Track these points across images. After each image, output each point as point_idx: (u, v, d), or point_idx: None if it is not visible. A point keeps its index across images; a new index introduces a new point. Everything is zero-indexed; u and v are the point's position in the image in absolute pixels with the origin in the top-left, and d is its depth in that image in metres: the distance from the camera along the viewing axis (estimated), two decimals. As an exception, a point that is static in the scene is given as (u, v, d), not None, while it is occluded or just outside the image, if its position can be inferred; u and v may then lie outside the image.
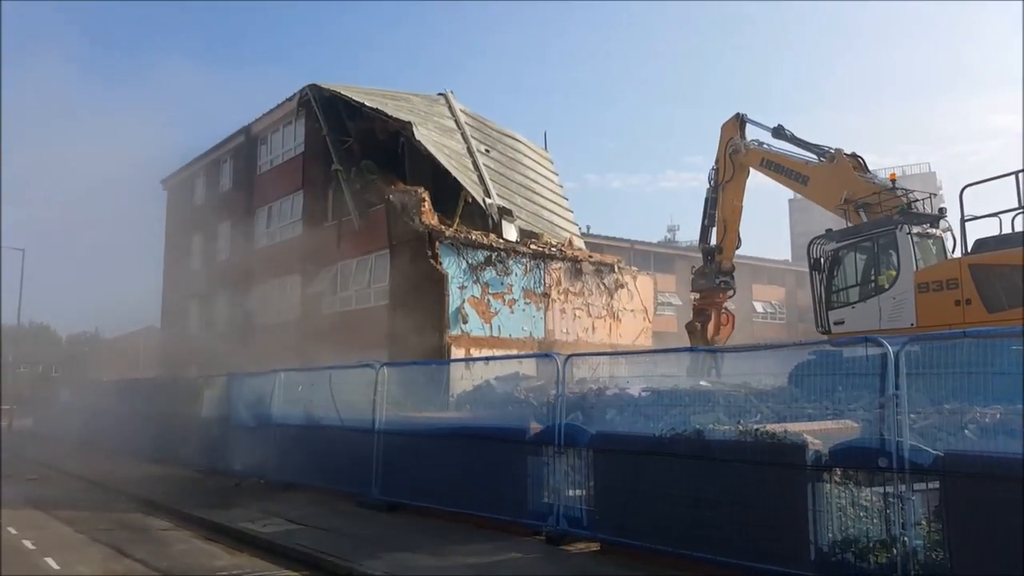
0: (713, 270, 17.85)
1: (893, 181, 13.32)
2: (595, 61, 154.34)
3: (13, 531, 10.28)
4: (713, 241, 18.01)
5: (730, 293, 18.15)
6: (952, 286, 11.13)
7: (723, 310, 18.22)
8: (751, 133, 16.97)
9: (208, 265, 31.28)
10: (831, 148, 14.87)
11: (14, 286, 37.93)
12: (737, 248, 17.75)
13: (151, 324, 43.58)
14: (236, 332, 27.80)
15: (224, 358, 25.94)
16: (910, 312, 11.64)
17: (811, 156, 15.29)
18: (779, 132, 16.22)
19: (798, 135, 15.90)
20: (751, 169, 16.95)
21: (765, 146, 16.49)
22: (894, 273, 12.19)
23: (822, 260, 13.35)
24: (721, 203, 17.49)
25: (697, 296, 18.61)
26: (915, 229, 12.23)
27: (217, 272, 30.23)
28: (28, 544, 9.41)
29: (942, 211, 12.76)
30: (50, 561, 8.52)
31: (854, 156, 14.50)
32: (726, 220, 17.49)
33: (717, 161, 17.59)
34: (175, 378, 23.16)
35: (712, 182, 17.78)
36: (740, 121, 17.08)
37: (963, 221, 11.56)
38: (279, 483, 13.27)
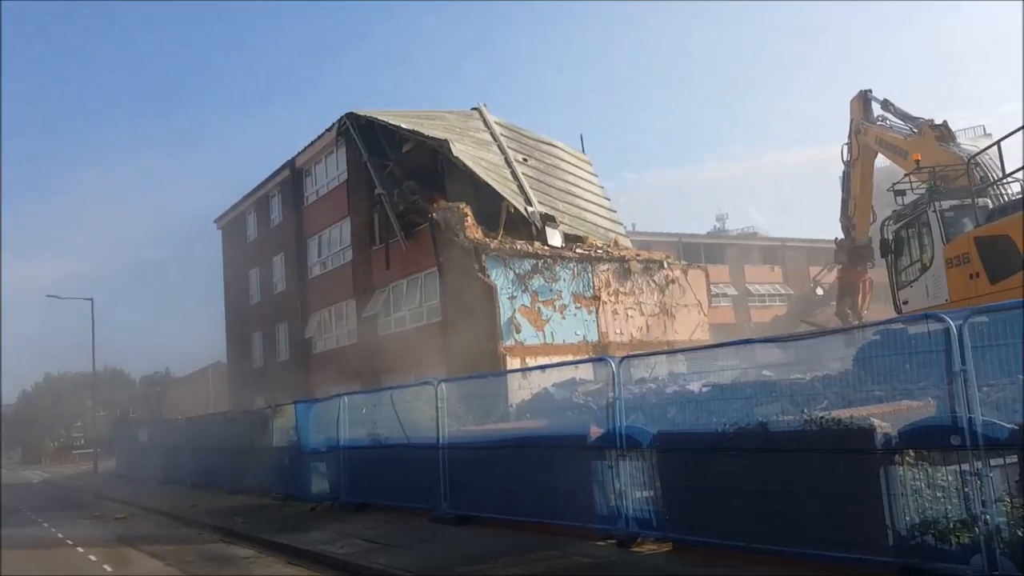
0: (847, 245, 18.92)
1: (917, 161, 13.33)
2: (619, 62, 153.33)
3: (108, 568, 10.84)
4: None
5: (869, 265, 18.88)
6: (966, 260, 11.10)
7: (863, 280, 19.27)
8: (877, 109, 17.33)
9: (266, 298, 32.41)
10: (923, 119, 15.07)
11: (86, 335, 39.61)
12: (872, 222, 18.20)
13: (218, 359, 45.25)
14: (298, 361, 28.68)
15: (289, 387, 26.81)
16: (944, 288, 11.61)
17: (905, 128, 15.67)
18: (885, 107, 16.73)
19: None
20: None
21: (884, 123, 16.85)
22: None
23: (890, 241, 13.37)
24: (852, 180, 18.24)
25: (838, 268, 20.04)
26: (947, 204, 12.10)
27: (275, 304, 31.28)
28: (124, 579, 9.93)
29: (982, 180, 12.50)
30: (146, 594, 8.98)
31: (941, 125, 14.59)
32: (855, 197, 18.25)
33: (848, 138, 18.15)
34: (245, 410, 24.01)
35: (845, 158, 18.46)
36: (864, 99, 17.34)
37: (973, 192, 11.63)
38: (352, 504, 13.64)
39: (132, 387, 77.31)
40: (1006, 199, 11.88)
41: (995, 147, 12.47)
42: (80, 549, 12.75)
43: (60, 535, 14.70)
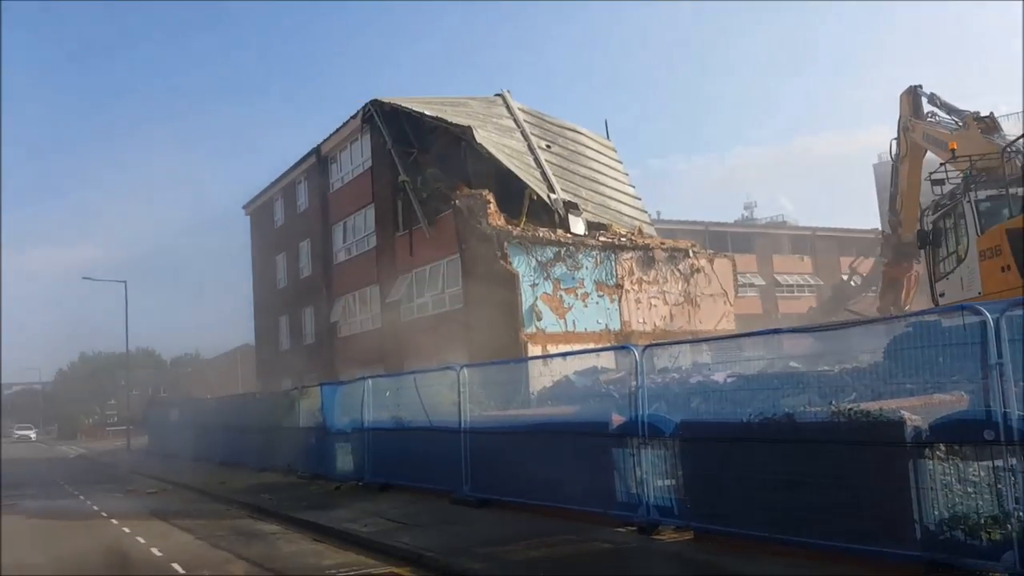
0: (894, 241, 19.12)
1: (953, 150, 13.02)
2: (646, 49, 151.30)
3: (142, 540, 11.16)
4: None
5: (915, 260, 18.94)
6: (998, 253, 10.87)
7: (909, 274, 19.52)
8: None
9: (293, 282, 32.80)
10: (968, 112, 14.90)
11: (120, 316, 40.50)
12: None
13: (246, 342, 46.01)
14: (323, 344, 29.03)
15: (314, 369, 27.18)
16: (977, 281, 11.41)
17: (952, 123, 15.50)
18: (932, 100, 16.57)
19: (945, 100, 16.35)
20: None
21: (933, 118, 16.65)
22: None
23: (928, 233, 13.21)
24: (900, 177, 18.14)
25: (883, 263, 20.51)
26: (983, 194, 11.84)
27: (302, 288, 31.65)
28: (156, 552, 10.20)
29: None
30: (176, 567, 9.22)
31: (987, 117, 14.39)
32: (903, 194, 18.16)
33: (897, 134, 18.07)
34: (272, 392, 24.40)
35: (893, 154, 18.41)
36: (913, 95, 17.10)
37: (1007, 182, 11.35)
38: (376, 484, 13.84)
39: (163, 368, 79.11)
40: None
41: None
42: (115, 521, 13.16)
43: (96, 507, 15.19)
